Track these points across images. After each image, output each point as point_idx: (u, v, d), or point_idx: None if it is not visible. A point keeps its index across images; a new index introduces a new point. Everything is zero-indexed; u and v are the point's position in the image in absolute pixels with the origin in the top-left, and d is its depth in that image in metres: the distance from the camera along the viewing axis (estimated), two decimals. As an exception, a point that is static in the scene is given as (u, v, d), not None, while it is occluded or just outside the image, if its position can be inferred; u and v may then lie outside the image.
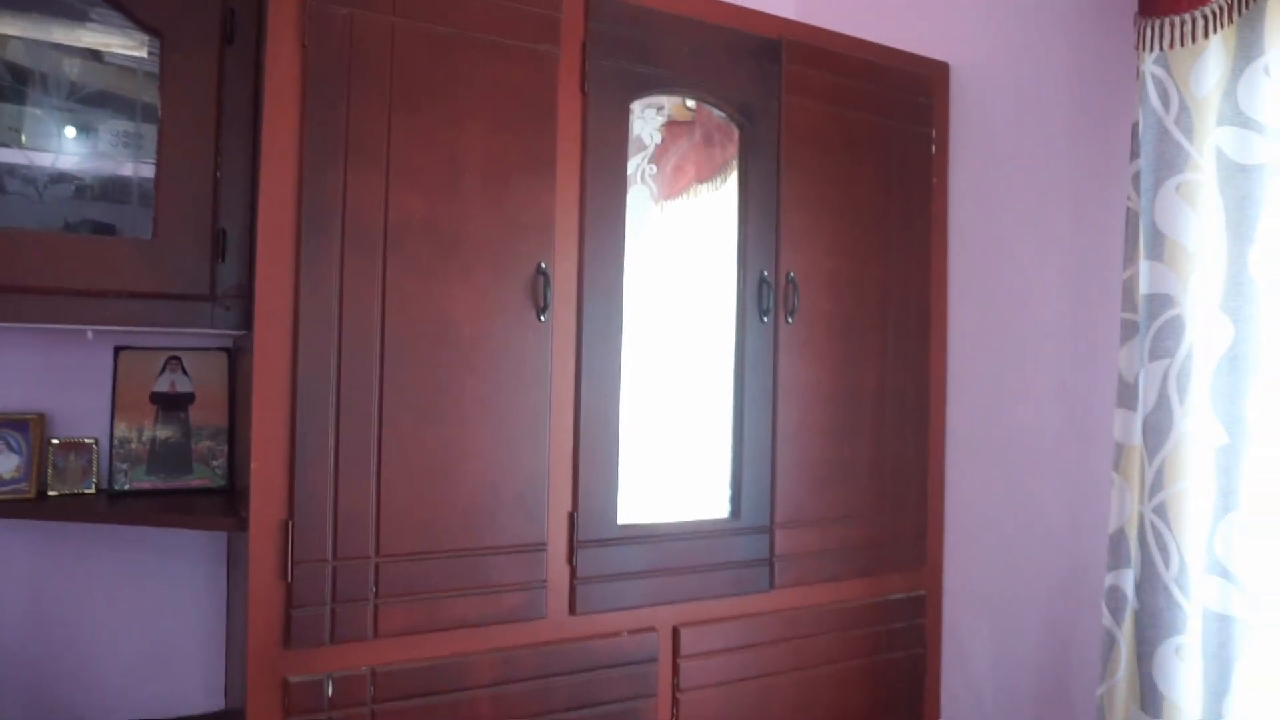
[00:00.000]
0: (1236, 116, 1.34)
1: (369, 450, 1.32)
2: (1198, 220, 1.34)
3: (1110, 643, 1.45)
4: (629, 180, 1.54)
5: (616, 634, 1.52)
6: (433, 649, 1.38)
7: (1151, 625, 1.36)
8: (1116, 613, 1.44)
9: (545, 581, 1.46)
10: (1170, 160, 1.37)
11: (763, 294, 1.66)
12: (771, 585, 1.67)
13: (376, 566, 1.32)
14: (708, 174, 1.69)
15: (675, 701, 1.57)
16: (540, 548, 1.46)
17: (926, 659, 1.86)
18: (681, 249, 1.64)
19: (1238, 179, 1.34)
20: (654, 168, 1.60)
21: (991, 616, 1.80)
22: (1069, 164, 1.68)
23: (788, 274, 1.68)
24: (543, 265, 1.44)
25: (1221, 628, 1.34)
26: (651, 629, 1.56)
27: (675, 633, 1.58)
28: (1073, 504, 1.66)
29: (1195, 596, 1.34)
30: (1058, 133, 1.70)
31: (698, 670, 1.59)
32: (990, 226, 1.82)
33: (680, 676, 1.57)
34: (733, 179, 1.67)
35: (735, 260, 1.66)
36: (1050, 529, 1.70)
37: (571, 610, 1.49)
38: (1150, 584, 1.37)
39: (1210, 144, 1.35)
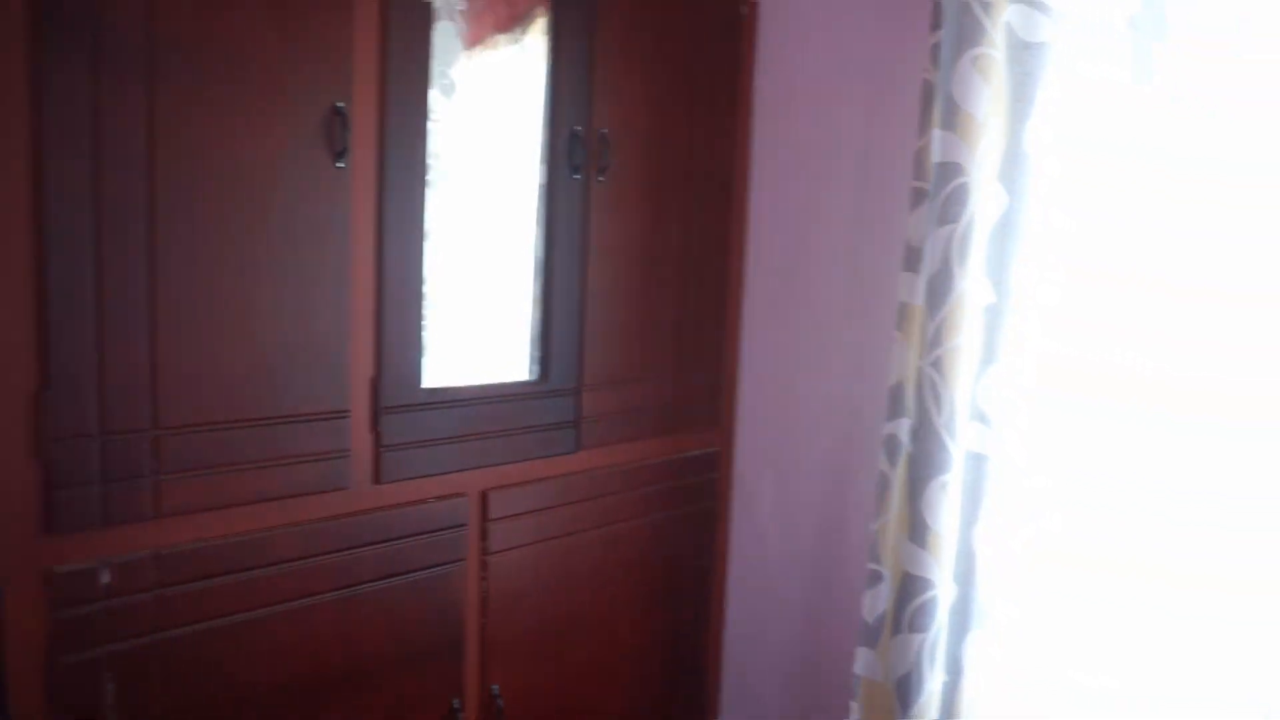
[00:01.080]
0: (1026, -6, 1.42)
1: (141, 308, 1.14)
2: (989, 92, 1.43)
3: (885, 484, 1.60)
4: (435, 13, 1.39)
5: (424, 501, 1.47)
6: (225, 526, 1.26)
7: (923, 466, 1.52)
8: (892, 457, 1.59)
9: (348, 450, 1.37)
10: (969, 34, 1.43)
11: (574, 150, 1.59)
12: (578, 447, 1.68)
13: (155, 439, 1.17)
14: (507, 24, 1.56)
15: (484, 564, 1.56)
16: (342, 415, 1.36)
17: (718, 510, 1.98)
18: (489, 99, 1.52)
19: (1023, 55, 1.43)
20: (464, 2, 1.45)
21: (778, 467, 1.93)
22: (873, 36, 1.73)
23: (600, 130, 1.62)
24: (339, 104, 1.28)
25: (976, 465, 1.51)
26: (460, 494, 1.52)
27: (484, 497, 1.55)
28: (856, 360, 1.79)
29: (960, 440, 1.50)
30: (865, 5, 1.74)
31: (506, 533, 1.59)
32: (794, 95, 1.85)
33: (489, 540, 1.56)
34: (532, 33, 1.56)
35: (544, 114, 1.57)
36: (834, 384, 1.83)
37: (376, 479, 1.41)
38: (924, 430, 1.52)
39: (1003, 20, 1.42)
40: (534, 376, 1.62)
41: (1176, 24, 1.29)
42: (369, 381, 1.39)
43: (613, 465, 1.75)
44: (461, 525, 1.52)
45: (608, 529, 1.75)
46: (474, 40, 1.49)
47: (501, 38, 1.56)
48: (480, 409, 1.53)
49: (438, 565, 1.49)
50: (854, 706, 1.64)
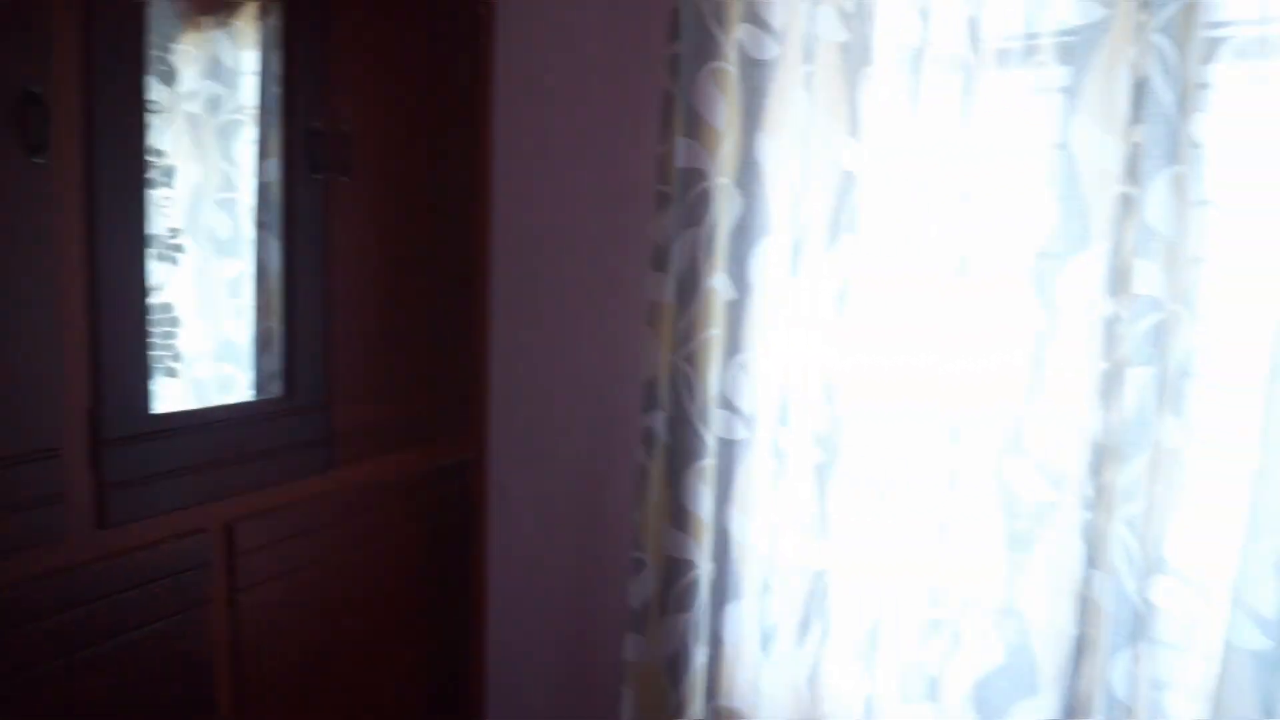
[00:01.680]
0: (753, 17, 1.54)
1: None
2: (725, 104, 1.54)
3: (644, 474, 1.66)
4: (149, -12, 1.22)
5: (160, 541, 1.30)
6: (-98, 603, 1.03)
7: (680, 455, 1.60)
8: (649, 448, 1.66)
9: (60, 495, 1.17)
10: (706, 49, 1.53)
11: (313, 147, 1.48)
12: (331, 465, 1.57)
13: None
14: (211, 7, 1.41)
15: (233, 604, 1.41)
16: (50, 454, 1.15)
17: (477, 517, 1.94)
18: (219, 87, 1.37)
19: (752, 71, 1.55)
20: (181, -24, 1.29)
21: (535, 467, 1.94)
22: (613, 43, 1.78)
23: (341, 126, 1.52)
24: (34, 89, 1.09)
25: (726, 450, 1.63)
26: (201, 529, 1.36)
27: (229, 530, 1.40)
28: (607, 358, 1.84)
29: (712, 427, 1.60)
30: (603, 10, 1.78)
31: (256, 566, 1.44)
32: (537, 98, 1.86)
33: (237, 576, 1.41)
34: (243, 17, 1.42)
35: (278, 107, 1.44)
36: (589, 382, 1.87)
37: (101, 524, 1.22)
38: (679, 420, 1.60)
39: (735, 38, 1.54)
40: (278, 393, 1.49)
41: (880, 51, 1.47)
42: (85, 413, 1.19)
43: (367, 482, 1.66)
44: (204, 564, 1.36)
45: (366, 549, 1.66)
46: (194, 19, 1.33)
47: (212, 19, 1.41)
48: (221, 433, 1.38)
49: (179, 613, 1.33)
50: (626, 693, 1.70)
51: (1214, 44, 1.28)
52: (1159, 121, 1.28)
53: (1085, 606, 1.38)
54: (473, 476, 1.92)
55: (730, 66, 1.54)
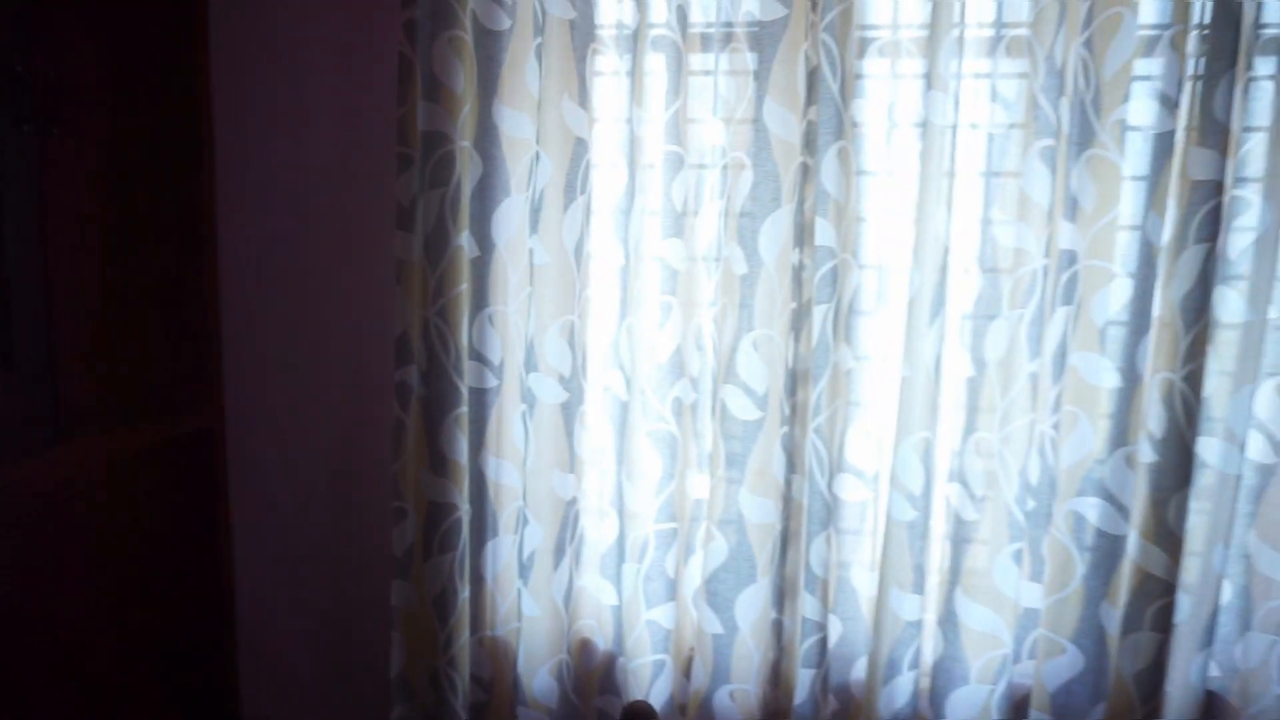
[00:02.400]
0: (485, -12, 1.64)
1: None
2: (462, 71, 1.63)
3: (400, 427, 1.73)
4: None
5: None
6: None
7: (437, 405, 1.69)
8: (404, 401, 1.72)
9: None
10: (443, 17, 1.60)
11: (18, 95, 1.36)
12: (56, 441, 1.47)
13: None
14: None
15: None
16: None
17: (219, 487, 1.89)
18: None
19: (487, 40, 1.65)
20: None
21: (285, 430, 1.91)
22: (341, 12, 1.78)
23: (47, 72, 1.41)
24: None
25: (477, 398, 1.74)
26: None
27: (-53, 517, 1.29)
28: (355, 317, 1.87)
29: (465, 378, 1.71)
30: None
31: (-18, 554, 1.34)
32: (260, 51, 1.81)
33: (-40, 567, 1.30)
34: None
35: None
36: (335, 342, 1.88)
37: None
38: (435, 373, 1.69)
39: (469, 7, 1.62)
40: (-7, 367, 1.38)
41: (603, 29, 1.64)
42: None
43: (99, 457, 1.57)
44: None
45: (100, 527, 1.57)
46: None
47: None
48: (-69, 413, 1.26)
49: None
50: (395, 637, 1.77)
51: (865, 42, 1.59)
52: (828, 104, 1.57)
53: (788, 505, 1.68)
54: (213, 445, 1.86)
55: (466, 35, 1.62)
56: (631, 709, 1.63)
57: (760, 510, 1.68)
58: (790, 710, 1.71)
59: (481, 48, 1.65)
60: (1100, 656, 1.63)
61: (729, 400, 1.67)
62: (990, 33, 1.57)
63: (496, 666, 1.80)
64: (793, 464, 1.67)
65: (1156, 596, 1.60)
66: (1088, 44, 1.51)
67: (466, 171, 1.66)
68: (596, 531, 1.79)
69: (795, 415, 1.66)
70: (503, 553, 1.78)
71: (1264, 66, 1.48)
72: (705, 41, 1.63)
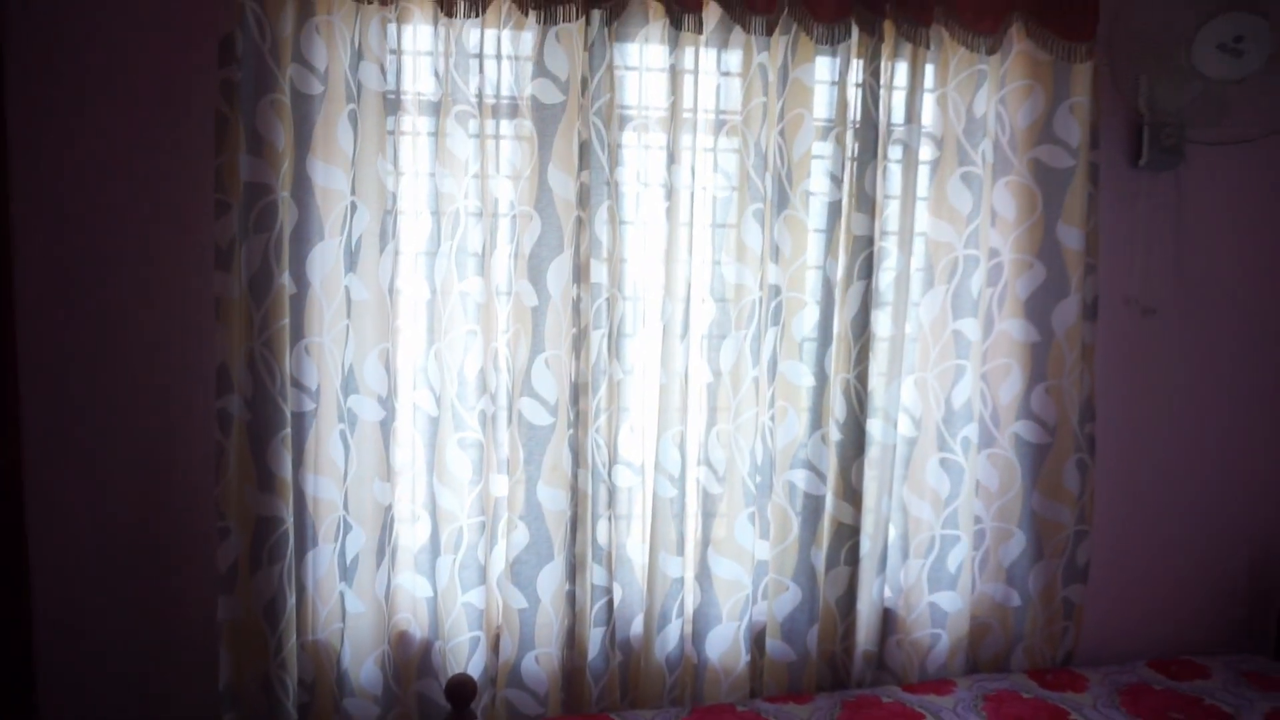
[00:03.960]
0: (301, 58, 1.86)
1: None
2: (283, 129, 1.84)
3: (221, 451, 1.87)
4: None
5: None
6: None
7: (263, 428, 1.86)
8: (226, 428, 1.87)
9: None
10: (264, 80, 1.81)
11: None
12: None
13: None
14: None
15: None
16: None
17: (16, 523, 1.88)
18: None
19: (302, 103, 1.88)
20: None
21: (89, 464, 1.95)
22: (155, 75, 1.90)
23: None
24: None
25: (297, 422, 1.92)
26: None
27: None
28: (165, 352, 1.96)
29: (290, 400, 1.89)
30: (146, 29, 1.89)
31: None
32: (67, 104, 1.88)
33: None
34: None
35: None
36: (143, 378, 1.96)
37: None
38: (261, 398, 1.86)
39: (287, 74, 1.84)
40: None
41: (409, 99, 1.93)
42: None
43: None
44: None
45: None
46: None
47: None
48: None
49: None
50: (222, 651, 1.89)
51: (624, 120, 2.02)
52: (597, 169, 1.98)
53: (575, 494, 2.04)
54: (10, 479, 1.86)
55: (285, 98, 1.84)
56: (454, 682, 1.88)
57: (554, 500, 2.03)
58: (585, 666, 2.06)
59: (297, 108, 1.87)
60: (812, 589, 2.15)
61: (525, 410, 2.01)
62: (714, 117, 2.07)
63: (319, 667, 1.98)
64: (578, 460, 2.04)
65: (847, 539, 2.16)
66: (781, 134, 2.05)
67: (286, 218, 1.86)
68: (410, 533, 2.04)
69: (579, 420, 2.04)
70: (322, 561, 1.96)
71: (894, 154, 2.11)
72: (496, 111, 1.98)
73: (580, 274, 2.01)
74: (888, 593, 2.24)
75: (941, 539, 2.22)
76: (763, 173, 2.03)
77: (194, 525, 1.99)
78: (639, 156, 2.05)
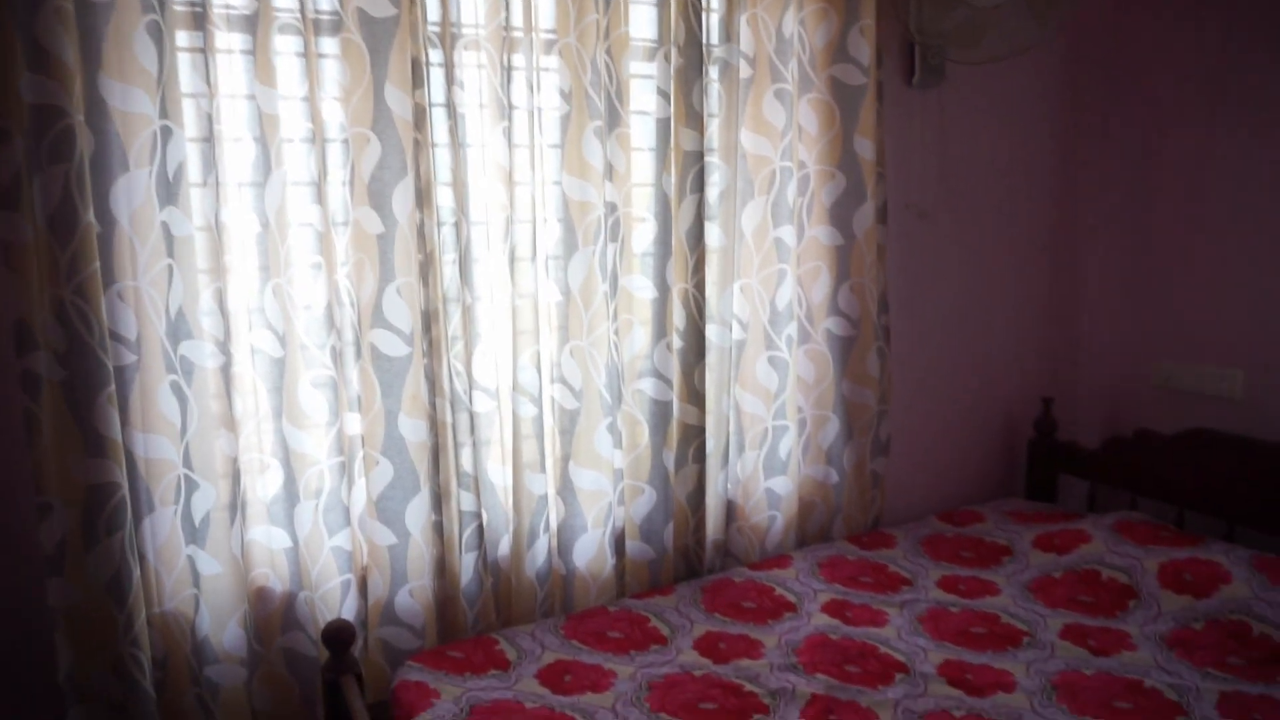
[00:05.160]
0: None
1: None
2: (68, 41, 1.59)
3: (32, 417, 1.64)
4: None
5: None
6: None
7: (84, 386, 1.65)
8: (34, 390, 1.64)
9: None
10: (42, -15, 1.55)
11: None
12: None
13: None
14: None
15: None
16: None
17: None
18: None
19: (87, 13, 1.63)
20: None
21: None
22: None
23: None
24: None
25: (118, 376, 1.72)
26: None
27: None
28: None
29: (110, 355, 1.69)
30: None
31: None
32: None
33: None
34: None
35: None
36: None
37: None
38: (79, 353, 1.65)
39: (71, -22, 1.59)
40: None
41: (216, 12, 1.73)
42: None
43: None
44: None
45: None
46: None
47: None
48: None
49: None
50: (59, 640, 1.69)
51: (456, 38, 1.95)
52: (435, 88, 1.91)
53: (435, 424, 2.01)
54: None
55: (69, 4, 1.59)
56: (330, 629, 1.81)
57: (415, 431, 1.99)
58: (459, 593, 2.07)
59: (83, 19, 1.63)
60: (665, 489, 2.29)
61: (378, 342, 1.93)
62: (552, 37, 2.05)
63: (170, 640, 1.83)
64: (435, 389, 2.00)
65: (693, 439, 2.31)
66: (609, 52, 2.08)
67: (85, 146, 1.63)
68: (260, 484, 1.91)
69: (433, 349, 1.99)
70: (162, 526, 1.80)
71: (713, 73, 2.22)
72: (319, 26, 1.83)
73: (423, 199, 1.94)
74: (730, 485, 2.42)
75: (773, 430, 2.43)
76: (599, 90, 2.06)
77: (7, 505, 1.74)
78: (475, 76, 1.99)
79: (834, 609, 2.13)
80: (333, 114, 1.86)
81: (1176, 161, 2.69)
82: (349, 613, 1.98)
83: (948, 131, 2.66)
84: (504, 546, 2.15)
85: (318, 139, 1.83)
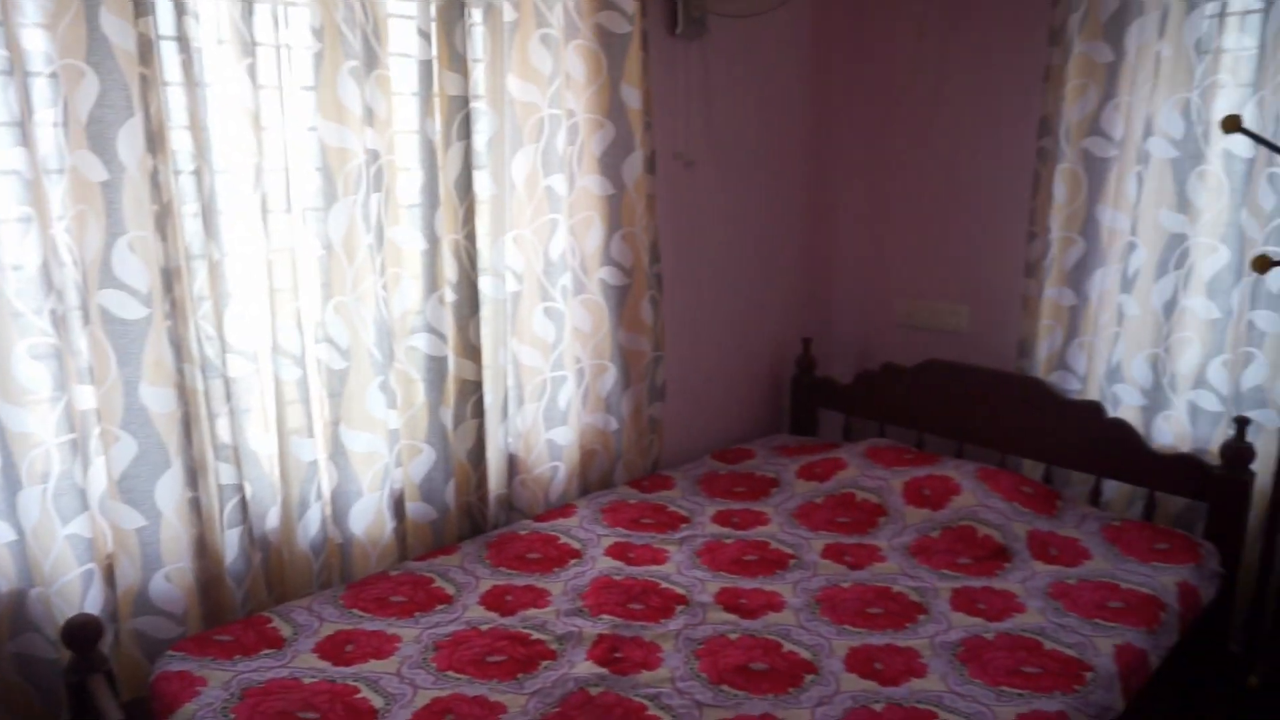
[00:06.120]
0: None
1: None
2: None
3: None
4: None
5: None
6: None
7: None
8: None
9: None
10: None
11: None
12: None
13: None
14: None
15: None
16: None
17: None
18: None
19: None
20: None
21: None
22: None
23: None
24: None
25: None
26: None
27: None
28: None
29: None
30: None
31: None
32: None
33: None
34: None
35: None
36: None
37: None
38: None
39: None
40: None
41: None
42: None
43: None
44: None
45: None
46: None
47: None
48: None
49: None
50: None
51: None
52: (162, 17, 1.71)
53: (184, 392, 1.84)
54: None
55: None
56: (71, 626, 1.63)
57: (161, 401, 1.80)
58: (224, 572, 1.92)
59: None
60: (445, 447, 2.24)
61: (109, 303, 1.73)
62: (289, -33, 1.89)
63: None
64: (182, 354, 1.83)
65: (471, 394, 2.26)
66: (364, -14, 1.95)
67: None
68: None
69: (176, 310, 1.81)
70: None
71: (476, 15, 2.14)
72: None
73: (155, 143, 1.74)
74: (510, 439, 2.41)
75: (552, 381, 2.43)
76: (353, 28, 1.93)
77: None
78: (211, 8, 1.80)
79: (617, 552, 2.19)
80: (34, 42, 1.62)
81: (910, 114, 2.94)
82: (93, 606, 1.78)
83: (711, 82, 2.74)
84: (272, 519, 2.02)
85: (18, 71, 1.59)
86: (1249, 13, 2.21)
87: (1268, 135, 2.14)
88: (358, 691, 1.64)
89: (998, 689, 1.64)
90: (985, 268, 2.83)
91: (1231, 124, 1.87)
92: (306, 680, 1.67)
